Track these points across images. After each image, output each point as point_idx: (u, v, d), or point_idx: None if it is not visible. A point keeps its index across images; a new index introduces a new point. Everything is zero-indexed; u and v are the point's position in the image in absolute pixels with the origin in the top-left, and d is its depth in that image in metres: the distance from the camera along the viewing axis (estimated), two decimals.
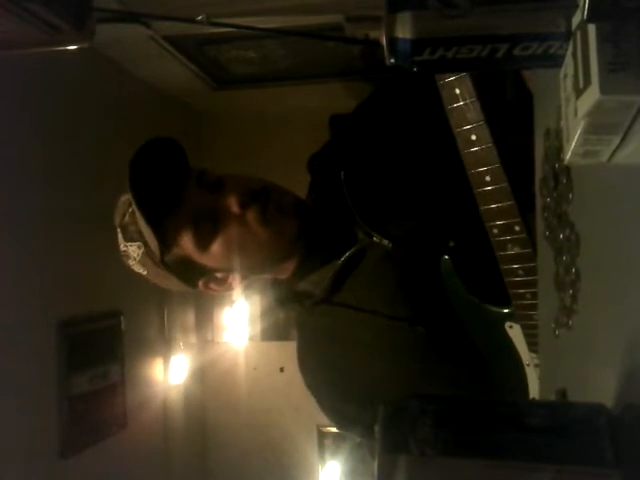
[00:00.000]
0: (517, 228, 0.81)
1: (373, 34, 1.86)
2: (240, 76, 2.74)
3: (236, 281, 0.98)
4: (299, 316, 1.02)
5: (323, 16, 1.99)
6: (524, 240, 0.81)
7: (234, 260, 0.94)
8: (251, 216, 0.89)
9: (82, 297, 2.19)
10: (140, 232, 0.90)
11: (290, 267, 0.97)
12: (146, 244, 0.91)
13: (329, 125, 1.07)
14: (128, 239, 0.92)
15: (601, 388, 0.44)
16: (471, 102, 0.77)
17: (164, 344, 2.86)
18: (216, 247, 0.91)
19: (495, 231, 0.82)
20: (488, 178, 0.79)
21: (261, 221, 0.90)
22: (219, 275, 0.97)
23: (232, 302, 3.08)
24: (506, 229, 0.81)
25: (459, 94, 0.77)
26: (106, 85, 2.33)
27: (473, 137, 0.78)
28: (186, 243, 0.91)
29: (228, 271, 0.97)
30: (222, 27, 1.75)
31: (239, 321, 3.10)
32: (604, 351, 0.45)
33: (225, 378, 3.13)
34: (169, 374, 2.87)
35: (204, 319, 3.19)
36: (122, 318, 2.42)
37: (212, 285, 0.98)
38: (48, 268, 2.00)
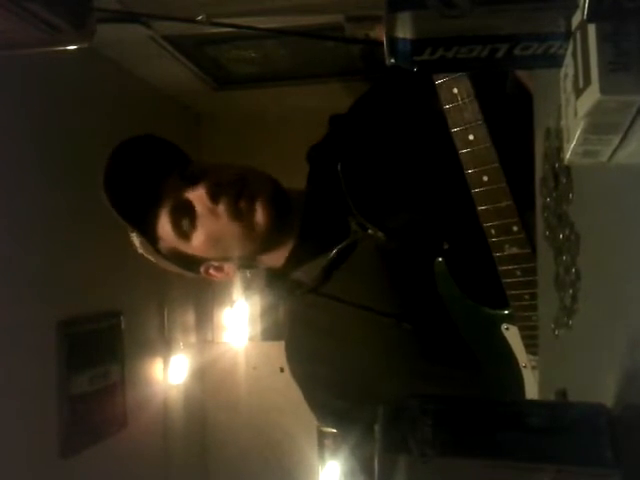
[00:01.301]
0: (515, 228, 0.80)
1: (373, 34, 1.86)
2: (240, 76, 2.74)
3: (232, 269, 0.99)
4: (291, 306, 1.02)
5: (323, 16, 1.99)
6: (522, 240, 0.80)
7: (218, 251, 0.95)
8: (222, 209, 0.89)
9: (82, 297, 2.19)
10: None
11: (282, 255, 0.97)
12: (140, 236, 0.92)
13: (329, 125, 1.06)
14: (130, 229, 0.94)
15: (601, 388, 0.44)
16: (469, 101, 0.76)
17: (164, 344, 2.86)
18: (196, 239, 0.92)
19: (493, 232, 0.82)
20: (486, 178, 0.79)
21: (231, 214, 0.89)
22: (215, 263, 0.98)
23: (232, 302, 3.08)
24: (504, 229, 0.81)
25: (457, 94, 0.76)
26: (106, 85, 2.33)
27: (471, 137, 0.78)
28: (168, 236, 0.92)
29: (218, 260, 0.97)
30: (222, 27, 1.75)
31: (239, 321, 3.09)
32: (604, 351, 0.45)
33: (225, 378, 3.13)
34: (169, 374, 2.87)
35: (204, 319, 3.19)
36: (122, 318, 2.42)
37: (212, 272, 0.99)
38: (48, 268, 2.00)
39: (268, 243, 0.94)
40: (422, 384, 0.89)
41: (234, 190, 0.89)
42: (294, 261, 0.97)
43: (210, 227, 0.90)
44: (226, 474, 3.14)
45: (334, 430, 0.98)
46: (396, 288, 0.93)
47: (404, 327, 0.90)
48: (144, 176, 0.91)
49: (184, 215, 0.90)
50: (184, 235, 0.91)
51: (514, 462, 0.34)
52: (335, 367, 0.95)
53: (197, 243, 0.92)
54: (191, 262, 0.97)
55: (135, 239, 0.95)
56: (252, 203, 0.90)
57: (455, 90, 0.76)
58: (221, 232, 0.91)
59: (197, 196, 0.89)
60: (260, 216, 0.90)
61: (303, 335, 1.00)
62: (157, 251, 0.95)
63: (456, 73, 0.75)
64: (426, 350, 0.91)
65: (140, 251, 0.97)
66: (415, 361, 0.91)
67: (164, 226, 0.91)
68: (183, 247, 0.93)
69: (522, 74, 0.75)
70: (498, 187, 0.79)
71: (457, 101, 0.77)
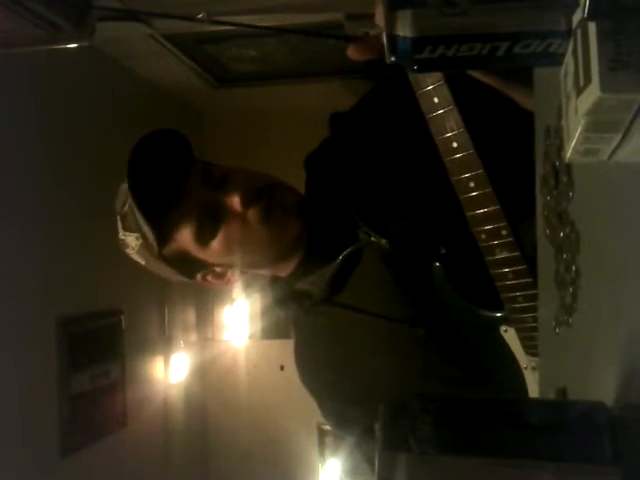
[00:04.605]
0: (504, 232, 0.81)
1: (374, 32, 1.86)
2: (240, 74, 2.73)
3: (234, 276, 0.99)
4: (297, 316, 1.02)
5: (323, 14, 1.99)
6: (512, 244, 0.81)
7: (233, 257, 0.94)
8: (253, 215, 0.89)
9: (83, 295, 2.20)
10: (138, 224, 0.89)
11: (290, 266, 0.97)
12: (144, 236, 0.90)
13: (329, 123, 1.06)
14: (127, 229, 0.92)
15: (601, 386, 0.44)
16: (450, 110, 0.77)
17: (164, 342, 2.86)
18: (216, 244, 0.91)
19: (483, 236, 0.82)
20: (472, 184, 0.79)
21: (262, 220, 0.89)
22: (218, 269, 0.97)
23: (232, 300, 3.08)
24: (493, 234, 0.81)
25: (437, 103, 0.77)
26: (106, 83, 2.33)
27: (454, 144, 0.78)
28: (186, 238, 0.91)
29: (227, 267, 0.97)
30: (222, 25, 1.74)
31: (239, 319, 3.10)
32: (604, 349, 0.45)
33: (225, 376, 3.13)
34: (169, 372, 2.87)
35: (204, 317, 3.19)
36: (122, 316, 2.42)
37: (210, 278, 0.98)
38: (49, 266, 2.00)
39: (290, 251, 0.95)
40: (433, 387, 0.89)
41: (265, 197, 0.90)
42: (300, 272, 0.97)
43: (234, 231, 0.90)
44: (226, 472, 3.15)
45: (352, 438, 0.97)
46: (404, 294, 0.93)
47: (417, 332, 0.90)
48: (167, 175, 0.90)
49: (210, 219, 0.89)
50: (205, 238, 0.90)
51: (514, 460, 0.34)
52: (348, 374, 0.95)
53: (216, 247, 0.91)
54: (192, 267, 0.96)
55: (132, 240, 0.92)
56: (284, 211, 0.91)
57: (435, 99, 0.77)
58: (247, 237, 0.90)
59: (228, 201, 0.89)
60: (292, 224, 0.92)
61: (314, 344, 1.00)
62: (160, 254, 0.93)
63: (434, 83, 0.75)
64: (437, 353, 0.92)
65: (129, 251, 0.94)
66: (427, 364, 0.92)
67: (185, 228, 0.90)
68: (196, 251, 0.92)
69: (478, 75, 0.72)
70: (484, 193, 0.79)
71: (438, 110, 0.77)
